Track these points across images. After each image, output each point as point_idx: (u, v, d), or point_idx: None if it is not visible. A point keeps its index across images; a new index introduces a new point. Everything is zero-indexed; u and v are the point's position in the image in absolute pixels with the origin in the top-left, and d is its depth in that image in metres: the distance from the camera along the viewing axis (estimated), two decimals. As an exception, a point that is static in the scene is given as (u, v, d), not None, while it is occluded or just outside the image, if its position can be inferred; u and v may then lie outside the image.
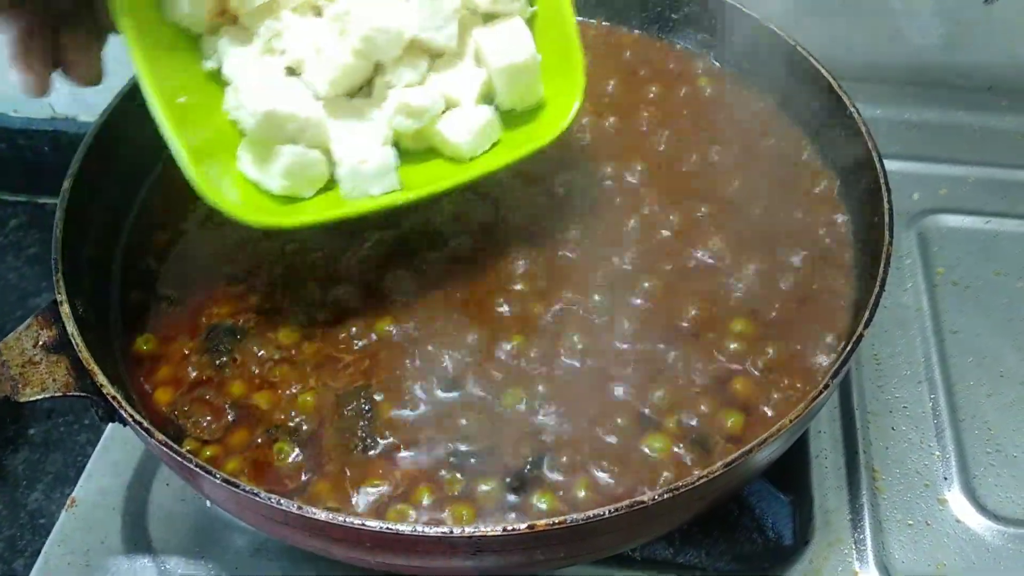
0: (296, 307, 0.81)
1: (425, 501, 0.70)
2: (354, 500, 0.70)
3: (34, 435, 1.28)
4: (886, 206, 0.81)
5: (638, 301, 0.81)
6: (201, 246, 0.87)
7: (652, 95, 0.99)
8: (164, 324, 0.81)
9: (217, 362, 0.78)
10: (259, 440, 0.74)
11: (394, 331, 0.79)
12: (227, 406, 0.76)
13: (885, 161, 0.84)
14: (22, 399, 0.69)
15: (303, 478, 0.72)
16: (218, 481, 0.63)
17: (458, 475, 0.71)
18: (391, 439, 0.73)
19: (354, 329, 0.79)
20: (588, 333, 0.78)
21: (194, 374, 0.78)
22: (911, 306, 1.01)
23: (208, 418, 0.75)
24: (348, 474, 0.72)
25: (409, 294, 0.81)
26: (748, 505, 0.80)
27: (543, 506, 0.69)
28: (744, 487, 0.85)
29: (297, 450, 0.73)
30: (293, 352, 0.78)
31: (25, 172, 1.54)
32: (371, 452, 0.73)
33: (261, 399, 0.76)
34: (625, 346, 0.78)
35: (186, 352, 0.79)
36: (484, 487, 0.70)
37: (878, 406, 0.93)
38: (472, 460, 0.72)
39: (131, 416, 0.66)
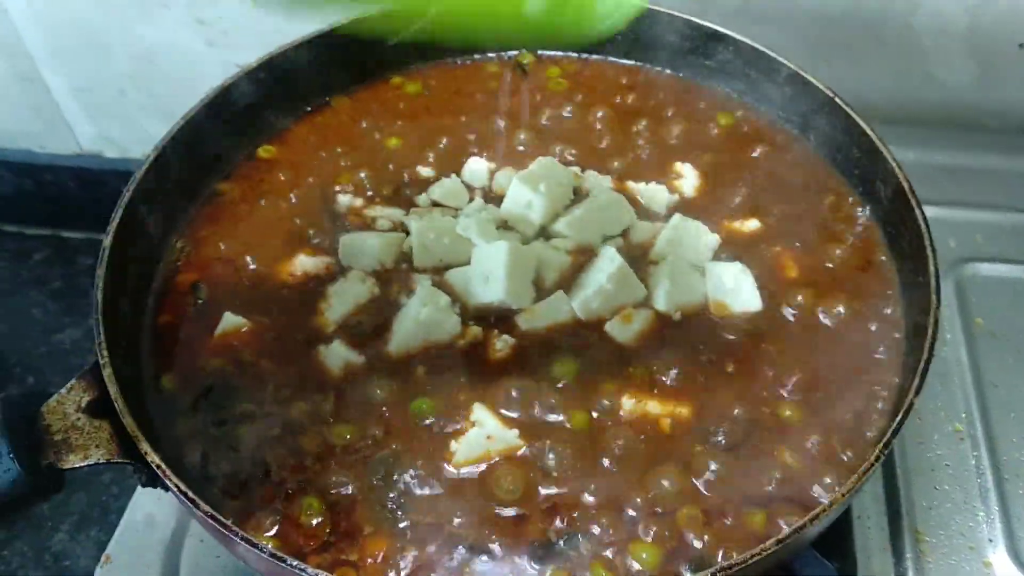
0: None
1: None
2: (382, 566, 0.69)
3: (59, 475, 1.27)
4: (932, 268, 0.80)
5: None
6: (226, 288, 0.86)
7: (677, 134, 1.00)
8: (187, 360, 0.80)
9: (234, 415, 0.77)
10: (286, 497, 0.72)
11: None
12: (253, 460, 0.74)
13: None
14: (65, 466, 0.68)
15: (328, 540, 0.70)
16: (265, 556, 0.62)
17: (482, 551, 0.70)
18: (419, 505, 0.72)
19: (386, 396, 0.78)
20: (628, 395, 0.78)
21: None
22: (951, 358, 1.00)
23: (234, 471, 0.73)
24: (378, 540, 0.70)
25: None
26: (792, 572, 0.79)
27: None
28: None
29: (325, 512, 0.71)
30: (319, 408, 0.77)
31: (50, 207, 1.54)
32: (401, 523, 0.71)
33: (286, 459, 0.74)
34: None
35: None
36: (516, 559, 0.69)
37: (920, 464, 0.91)
38: (502, 528, 0.71)
39: (176, 486, 0.65)
